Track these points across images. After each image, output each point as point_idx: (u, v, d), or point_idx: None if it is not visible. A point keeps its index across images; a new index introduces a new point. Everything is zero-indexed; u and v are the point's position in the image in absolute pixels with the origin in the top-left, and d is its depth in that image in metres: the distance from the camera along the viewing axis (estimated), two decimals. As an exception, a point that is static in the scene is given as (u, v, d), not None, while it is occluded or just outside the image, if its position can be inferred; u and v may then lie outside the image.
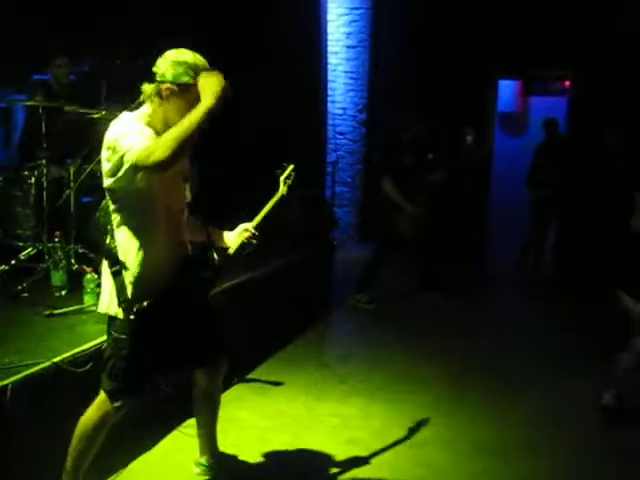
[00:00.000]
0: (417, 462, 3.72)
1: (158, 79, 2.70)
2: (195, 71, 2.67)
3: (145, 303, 2.74)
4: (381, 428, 4.09)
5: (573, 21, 8.51)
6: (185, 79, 2.67)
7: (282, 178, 3.42)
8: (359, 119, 9.69)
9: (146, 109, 2.77)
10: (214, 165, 5.44)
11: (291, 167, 3.47)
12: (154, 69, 2.72)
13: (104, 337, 3.02)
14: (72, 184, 4.66)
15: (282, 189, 3.39)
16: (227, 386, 4.53)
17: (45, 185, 4.68)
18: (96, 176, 4.66)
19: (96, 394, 2.92)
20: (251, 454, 3.72)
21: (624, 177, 7.41)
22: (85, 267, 4.33)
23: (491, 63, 9.26)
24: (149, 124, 2.72)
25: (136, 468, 3.52)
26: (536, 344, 5.78)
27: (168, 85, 2.68)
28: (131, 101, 2.92)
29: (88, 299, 4.02)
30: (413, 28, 9.23)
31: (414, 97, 9.01)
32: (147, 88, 2.74)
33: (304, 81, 8.17)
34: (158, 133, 2.68)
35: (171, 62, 2.69)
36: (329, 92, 9.48)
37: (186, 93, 2.67)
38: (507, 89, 11.04)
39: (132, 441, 3.63)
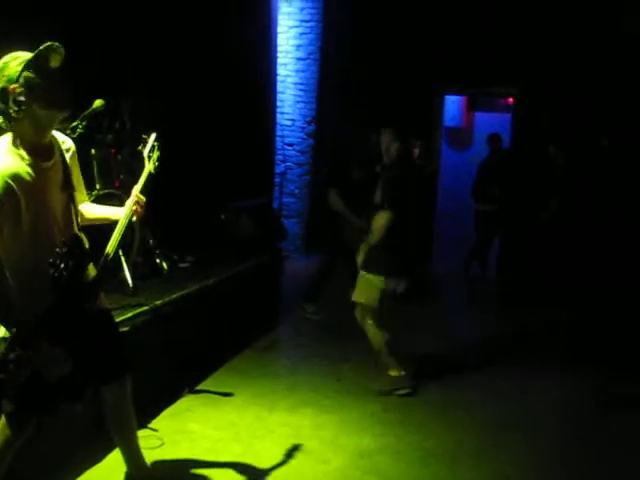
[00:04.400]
0: (367, 471, 3.74)
1: (2, 97, 2.53)
2: (16, 59, 2.56)
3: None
4: (332, 438, 4.11)
5: (517, 40, 8.76)
6: (16, 70, 2.53)
7: (146, 153, 3.12)
8: (307, 130, 9.75)
9: (11, 135, 2.63)
10: (163, 176, 5.40)
11: (152, 137, 3.16)
12: None
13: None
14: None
15: (149, 166, 3.11)
16: (176, 398, 4.52)
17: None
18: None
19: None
20: (203, 465, 3.69)
21: (563, 190, 7.69)
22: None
23: (437, 78, 9.45)
24: (21, 145, 2.61)
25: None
26: (482, 352, 5.90)
27: (13, 86, 2.52)
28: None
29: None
30: (362, 42, 9.35)
31: (362, 110, 9.12)
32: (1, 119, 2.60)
33: (253, 92, 8.19)
34: (34, 152, 2.62)
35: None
36: (278, 103, 9.52)
37: (34, 79, 2.55)
38: (453, 104, 11.26)
39: (77, 456, 3.57)
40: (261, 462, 3.74)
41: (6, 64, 2.56)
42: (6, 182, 2.51)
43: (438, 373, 5.27)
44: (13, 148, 2.59)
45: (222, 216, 6.44)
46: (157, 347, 4.39)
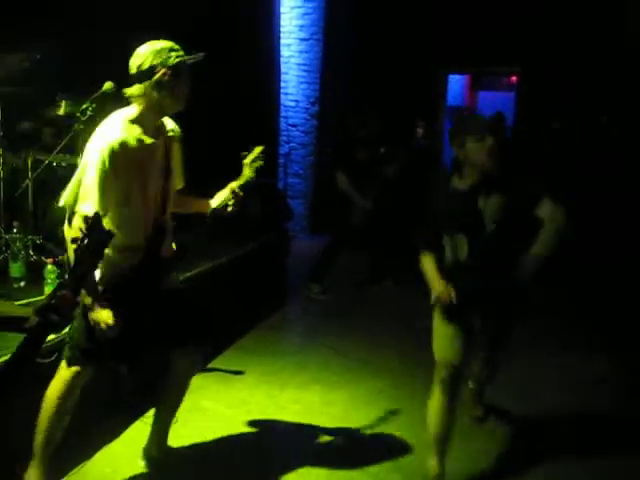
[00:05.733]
0: (379, 445, 3.83)
1: (147, 73, 2.81)
2: (176, 51, 2.87)
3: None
4: (342, 414, 4.19)
5: (520, 18, 8.74)
6: (173, 61, 2.84)
7: (247, 161, 3.31)
8: (311, 111, 9.75)
9: (133, 110, 2.89)
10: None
11: (258, 149, 3.34)
12: (133, 70, 2.84)
13: (67, 328, 3.10)
14: (30, 174, 4.61)
15: (247, 172, 3.30)
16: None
17: (1, 175, 4.64)
18: (54, 166, 4.65)
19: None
20: (216, 442, 3.77)
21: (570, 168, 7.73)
22: (44, 258, 4.32)
23: (440, 58, 9.45)
24: (137, 122, 2.88)
25: (99, 459, 3.52)
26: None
27: (163, 70, 2.81)
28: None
29: (49, 290, 4.00)
30: (365, 22, 9.33)
31: (365, 90, 9.13)
32: (135, 89, 2.84)
33: (257, 73, 8.19)
34: (147, 132, 2.90)
35: (151, 52, 2.83)
36: (282, 84, 9.52)
37: (179, 74, 2.87)
38: (456, 83, 11.26)
39: (95, 432, 3.64)
40: (275, 439, 3.83)
41: (165, 50, 2.85)
42: (116, 151, 2.77)
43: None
44: (127, 122, 2.86)
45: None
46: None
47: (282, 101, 9.59)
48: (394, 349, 5.31)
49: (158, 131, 2.99)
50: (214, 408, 4.18)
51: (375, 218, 6.85)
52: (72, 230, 2.76)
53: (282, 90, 9.55)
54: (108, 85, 3.93)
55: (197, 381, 4.47)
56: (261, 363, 4.95)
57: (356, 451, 3.77)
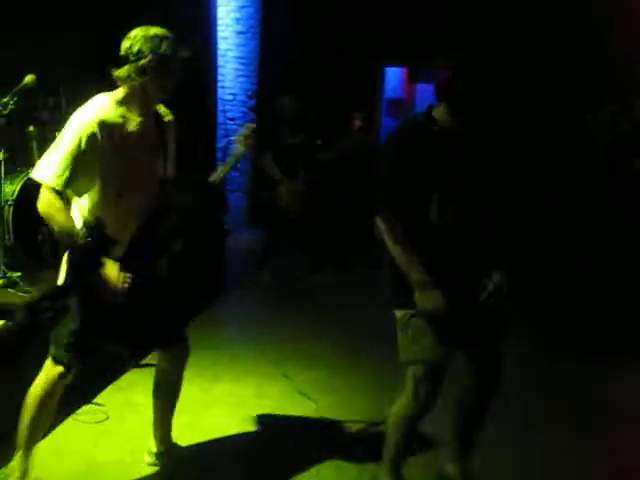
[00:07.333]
0: (313, 437, 3.88)
1: (134, 57, 2.79)
2: (168, 40, 2.83)
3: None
4: (275, 406, 4.23)
5: (457, 10, 8.87)
6: (163, 49, 2.81)
7: (240, 138, 3.52)
8: (249, 105, 9.72)
9: (119, 92, 2.89)
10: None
11: (251, 127, 3.57)
12: (122, 51, 2.83)
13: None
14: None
15: (241, 149, 3.51)
16: (122, 371, 4.56)
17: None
18: None
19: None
20: (149, 437, 3.75)
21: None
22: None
23: (378, 50, 9.52)
24: (122, 103, 2.88)
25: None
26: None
27: (149, 57, 2.79)
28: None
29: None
30: (302, 14, 9.35)
31: (303, 83, 9.15)
32: (121, 71, 2.82)
33: (194, 66, 8.11)
34: (132, 112, 2.89)
35: (143, 37, 2.81)
36: (219, 77, 9.45)
37: (166, 63, 2.84)
38: (394, 76, 11.37)
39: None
40: (207, 432, 3.84)
41: (156, 37, 2.82)
42: (94, 130, 2.73)
43: (378, 338, 5.36)
44: (112, 102, 2.86)
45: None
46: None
47: (220, 95, 9.53)
48: (329, 338, 5.36)
49: (147, 114, 2.98)
50: (147, 402, 4.09)
51: (305, 203, 6.85)
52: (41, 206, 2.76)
53: (220, 83, 9.48)
54: (30, 78, 3.86)
55: (130, 377, 4.52)
56: (195, 356, 4.82)
57: (290, 444, 3.80)
